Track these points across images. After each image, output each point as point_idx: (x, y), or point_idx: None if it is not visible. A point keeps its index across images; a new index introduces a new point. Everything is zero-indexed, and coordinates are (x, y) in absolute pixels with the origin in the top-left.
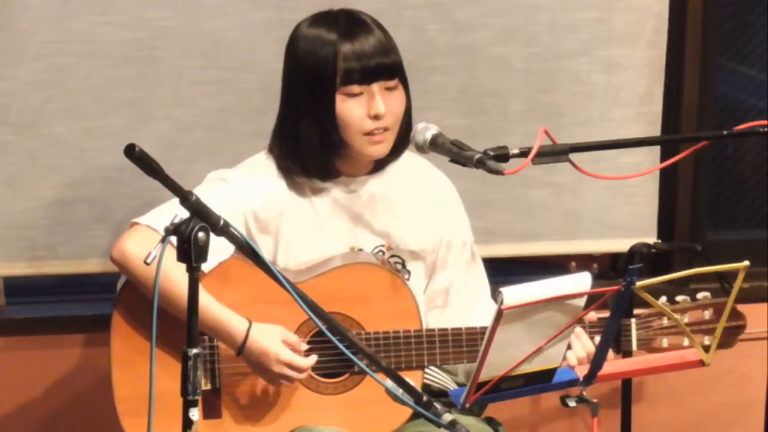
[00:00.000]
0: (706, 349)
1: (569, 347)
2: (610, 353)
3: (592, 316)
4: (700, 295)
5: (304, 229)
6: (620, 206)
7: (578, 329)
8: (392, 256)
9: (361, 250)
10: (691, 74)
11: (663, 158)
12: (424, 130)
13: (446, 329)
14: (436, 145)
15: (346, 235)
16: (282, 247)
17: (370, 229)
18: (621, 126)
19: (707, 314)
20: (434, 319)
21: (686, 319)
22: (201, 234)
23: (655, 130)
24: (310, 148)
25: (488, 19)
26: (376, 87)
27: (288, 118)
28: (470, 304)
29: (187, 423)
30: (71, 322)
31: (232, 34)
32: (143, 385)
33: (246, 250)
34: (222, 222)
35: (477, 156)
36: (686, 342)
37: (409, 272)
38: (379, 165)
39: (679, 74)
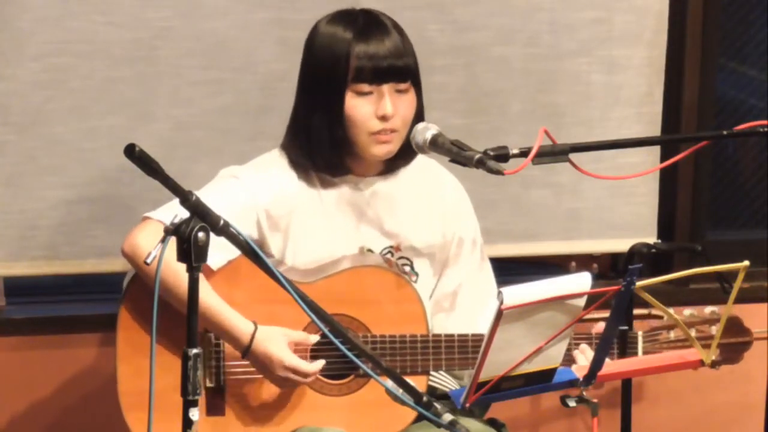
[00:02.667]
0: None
1: (574, 362)
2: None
3: (599, 327)
4: (707, 310)
5: (314, 227)
6: (620, 206)
7: (583, 345)
8: (401, 257)
9: (370, 250)
10: (691, 74)
11: (663, 158)
12: (424, 130)
13: (453, 335)
14: (436, 145)
15: (354, 234)
16: (291, 245)
17: (379, 230)
18: (621, 126)
19: (714, 329)
20: (440, 323)
21: (693, 333)
22: (201, 234)
23: (655, 130)
24: (320, 144)
25: (488, 19)
26: (386, 88)
27: (300, 113)
28: (477, 309)
29: (187, 423)
30: (71, 322)
31: (232, 34)
32: (147, 380)
33: (247, 250)
34: (222, 222)
35: (477, 156)
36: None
37: (417, 274)
38: (390, 167)
39: (679, 74)
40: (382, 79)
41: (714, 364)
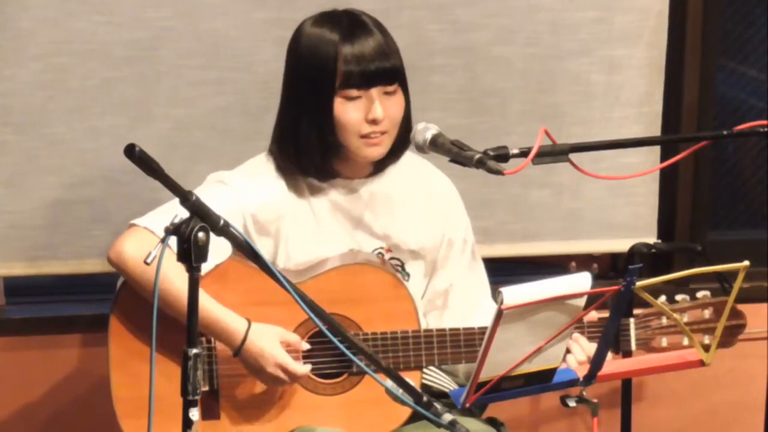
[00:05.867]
0: (706, 348)
1: (569, 351)
2: (610, 354)
3: (593, 316)
4: (699, 294)
5: (304, 231)
6: (620, 206)
7: (576, 334)
8: (392, 258)
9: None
10: (691, 74)
11: (663, 158)
12: (424, 130)
13: (444, 330)
14: (436, 145)
15: (345, 237)
16: (282, 248)
17: (369, 232)
18: (621, 126)
19: (707, 313)
20: (434, 321)
21: (686, 318)
22: (201, 234)
23: (655, 130)
24: (308, 149)
25: (488, 19)
26: (374, 91)
27: (287, 117)
28: (470, 306)
29: (187, 423)
30: (71, 322)
31: (232, 34)
32: (141, 386)
33: (246, 250)
34: (222, 222)
35: (477, 156)
36: (686, 341)
37: (408, 275)
38: (379, 167)
39: (679, 74)
40: (370, 83)
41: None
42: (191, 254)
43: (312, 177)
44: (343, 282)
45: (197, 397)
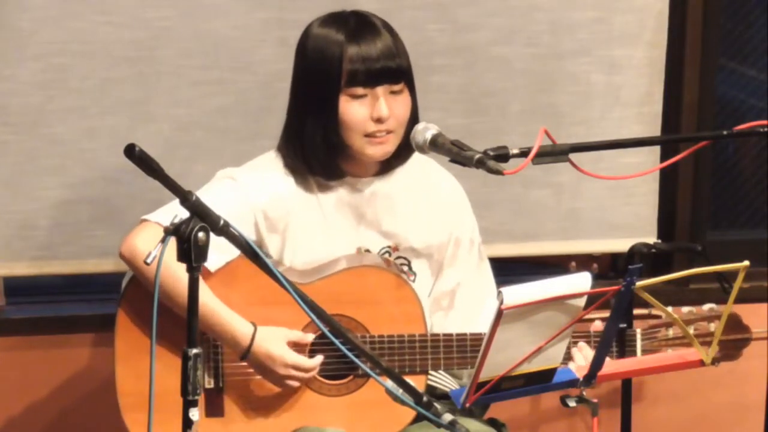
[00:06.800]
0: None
1: (571, 359)
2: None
3: (599, 326)
4: (706, 307)
5: (312, 228)
6: (620, 206)
7: (581, 343)
8: (398, 257)
9: (368, 251)
10: (691, 74)
11: (663, 158)
12: (424, 130)
13: (451, 335)
14: (436, 145)
15: (352, 235)
16: (289, 245)
17: (376, 230)
18: (621, 126)
19: (713, 326)
20: (439, 321)
21: (691, 330)
22: (201, 234)
23: (655, 130)
24: (314, 148)
25: (488, 19)
26: (380, 90)
27: (294, 116)
28: (475, 307)
29: (187, 423)
30: (71, 322)
31: (232, 34)
32: (146, 381)
33: (246, 250)
34: (222, 222)
35: (477, 156)
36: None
37: (415, 273)
38: (386, 167)
39: (679, 74)
40: (375, 81)
41: (714, 361)
42: (191, 254)
43: (319, 176)
44: (350, 284)
45: (197, 398)
